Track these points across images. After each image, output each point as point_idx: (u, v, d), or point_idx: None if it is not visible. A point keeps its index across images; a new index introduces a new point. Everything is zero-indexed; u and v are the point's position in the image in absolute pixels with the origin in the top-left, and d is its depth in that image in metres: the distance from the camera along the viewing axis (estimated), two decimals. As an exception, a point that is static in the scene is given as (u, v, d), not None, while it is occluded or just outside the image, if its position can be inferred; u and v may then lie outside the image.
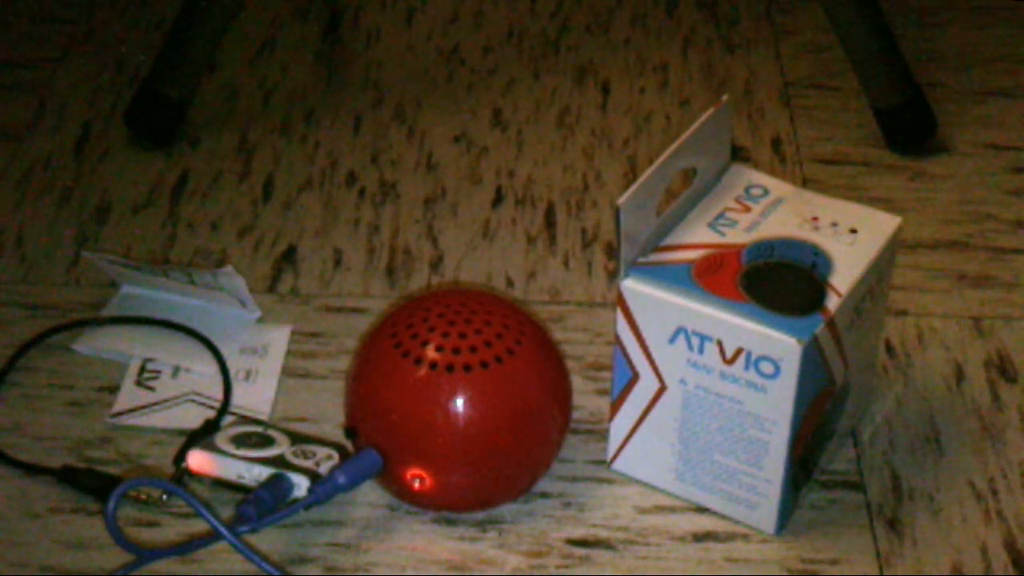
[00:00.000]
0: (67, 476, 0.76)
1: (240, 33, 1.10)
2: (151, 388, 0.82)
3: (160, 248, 0.92)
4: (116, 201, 0.96)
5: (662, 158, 0.71)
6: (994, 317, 0.87)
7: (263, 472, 0.73)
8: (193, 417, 0.79)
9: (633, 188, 0.69)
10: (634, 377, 0.73)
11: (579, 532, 0.74)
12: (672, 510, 0.75)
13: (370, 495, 0.76)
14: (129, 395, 0.81)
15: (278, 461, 0.73)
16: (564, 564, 0.73)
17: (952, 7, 1.15)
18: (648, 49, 1.10)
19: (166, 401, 0.81)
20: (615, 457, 0.77)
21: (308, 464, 0.73)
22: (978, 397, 0.82)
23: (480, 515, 0.75)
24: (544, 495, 0.76)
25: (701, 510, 0.75)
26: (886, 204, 0.95)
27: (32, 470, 0.77)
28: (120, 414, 0.80)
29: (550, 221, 0.94)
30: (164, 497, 0.75)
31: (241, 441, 0.74)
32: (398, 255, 0.91)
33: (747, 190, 0.76)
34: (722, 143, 0.76)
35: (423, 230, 0.93)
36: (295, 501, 0.71)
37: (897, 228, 0.75)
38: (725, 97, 0.75)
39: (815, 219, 0.74)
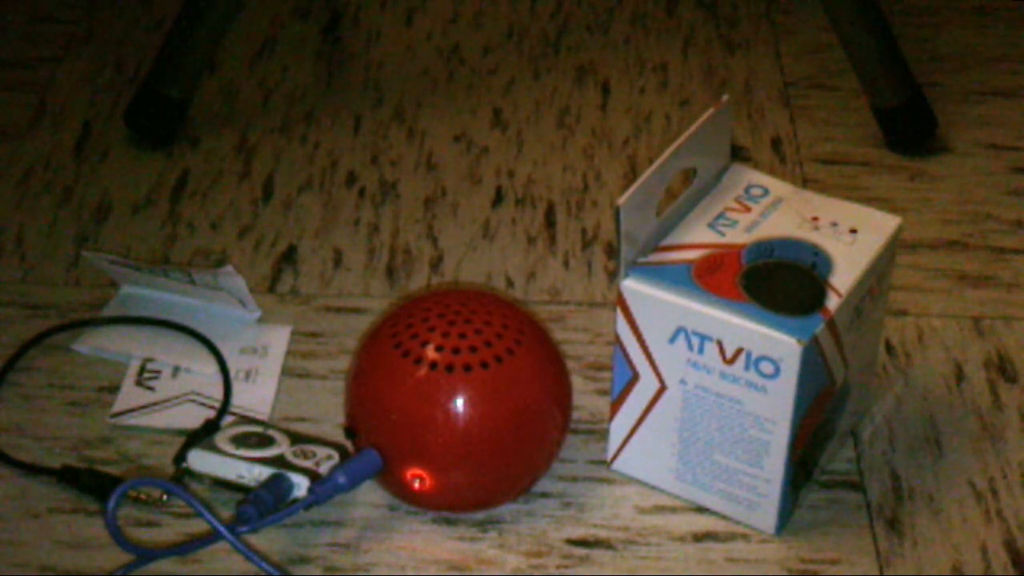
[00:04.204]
0: (67, 476, 0.76)
1: (240, 33, 1.10)
2: (151, 388, 0.82)
3: (160, 248, 0.92)
4: (116, 201, 0.96)
5: (662, 158, 0.71)
6: (994, 317, 0.87)
7: (263, 472, 0.73)
8: (193, 417, 0.79)
9: (633, 188, 0.69)
10: (634, 377, 0.73)
11: (579, 532, 0.74)
12: (672, 510, 0.75)
13: (370, 495, 0.76)
14: (129, 395, 0.81)
15: (278, 461, 0.73)
16: (564, 564, 0.72)
17: (952, 7, 1.15)
18: (648, 49, 1.10)
19: (166, 401, 0.81)
20: (615, 457, 0.77)
21: (308, 464, 0.73)
22: (978, 397, 0.82)
23: (480, 515, 0.75)
24: (544, 495, 0.76)
25: (701, 510, 0.75)
26: (886, 204, 0.95)
27: (32, 470, 0.77)
28: (120, 414, 0.80)
29: (550, 221, 0.94)
30: (164, 497, 0.75)
31: (241, 441, 0.75)
32: (398, 255, 0.91)
33: (747, 190, 0.76)
34: (722, 143, 0.76)
35: (423, 230, 0.93)
36: (295, 501, 0.71)
37: (897, 228, 0.75)
38: (725, 97, 0.75)
39: (815, 219, 0.74)
